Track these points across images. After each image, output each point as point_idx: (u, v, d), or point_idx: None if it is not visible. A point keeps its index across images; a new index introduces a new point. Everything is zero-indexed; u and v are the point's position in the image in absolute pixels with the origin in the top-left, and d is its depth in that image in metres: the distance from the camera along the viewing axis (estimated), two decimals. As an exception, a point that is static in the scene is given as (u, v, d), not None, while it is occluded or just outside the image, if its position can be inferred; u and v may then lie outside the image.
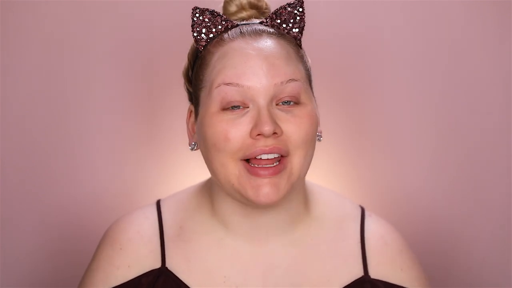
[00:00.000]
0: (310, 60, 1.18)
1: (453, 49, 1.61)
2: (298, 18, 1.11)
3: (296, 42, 1.12)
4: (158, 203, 1.23)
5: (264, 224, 1.15)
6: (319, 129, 1.16)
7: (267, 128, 1.02)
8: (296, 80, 1.07)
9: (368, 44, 1.63)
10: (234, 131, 1.04)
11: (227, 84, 1.05)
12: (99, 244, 1.22)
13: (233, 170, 1.06)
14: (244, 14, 1.15)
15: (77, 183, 1.61)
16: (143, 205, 1.26)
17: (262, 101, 1.05)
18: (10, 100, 1.58)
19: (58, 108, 1.60)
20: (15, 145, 1.58)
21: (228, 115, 1.05)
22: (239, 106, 1.05)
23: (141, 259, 1.17)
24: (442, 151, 1.63)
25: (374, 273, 1.18)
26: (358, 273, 1.16)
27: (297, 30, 1.12)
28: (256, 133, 1.04)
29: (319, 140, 1.14)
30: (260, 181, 1.05)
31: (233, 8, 1.15)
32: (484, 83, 1.61)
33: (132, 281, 1.16)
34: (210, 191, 1.19)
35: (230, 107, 1.05)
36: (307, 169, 1.10)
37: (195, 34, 1.10)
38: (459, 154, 1.63)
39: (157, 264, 1.17)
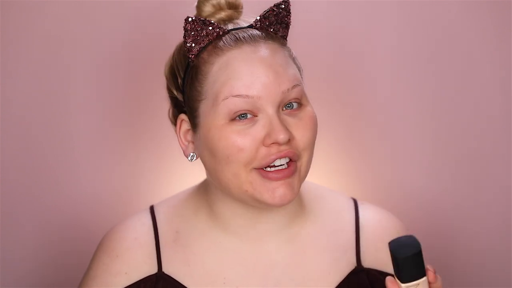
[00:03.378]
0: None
1: (453, 48, 1.62)
2: (285, 18, 1.11)
3: (285, 43, 1.12)
4: (151, 209, 1.23)
5: (263, 223, 1.15)
6: None
7: (282, 136, 1.04)
8: (299, 85, 1.08)
9: (366, 42, 1.63)
10: (247, 141, 1.05)
11: (236, 96, 1.05)
12: (95, 253, 1.21)
13: (246, 179, 1.07)
14: (222, 14, 1.13)
15: (77, 184, 1.61)
16: (136, 212, 1.26)
17: (271, 109, 1.05)
18: (10, 100, 1.58)
19: (57, 109, 1.60)
20: (14, 146, 1.58)
21: (238, 126, 1.06)
22: (247, 115, 1.06)
23: (139, 266, 1.17)
24: (442, 149, 1.63)
25: (370, 260, 1.18)
26: (354, 263, 1.17)
27: (283, 29, 1.12)
28: (270, 142, 1.05)
29: None
30: (275, 183, 1.07)
31: (208, 8, 1.13)
32: (484, 82, 1.61)
33: (129, 287, 1.16)
34: (206, 194, 1.18)
35: (237, 117, 1.06)
36: (310, 164, 1.13)
37: (187, 44, 1.09)
38: (458, 152, 1.63)
39: (155, 270, 1.17)
